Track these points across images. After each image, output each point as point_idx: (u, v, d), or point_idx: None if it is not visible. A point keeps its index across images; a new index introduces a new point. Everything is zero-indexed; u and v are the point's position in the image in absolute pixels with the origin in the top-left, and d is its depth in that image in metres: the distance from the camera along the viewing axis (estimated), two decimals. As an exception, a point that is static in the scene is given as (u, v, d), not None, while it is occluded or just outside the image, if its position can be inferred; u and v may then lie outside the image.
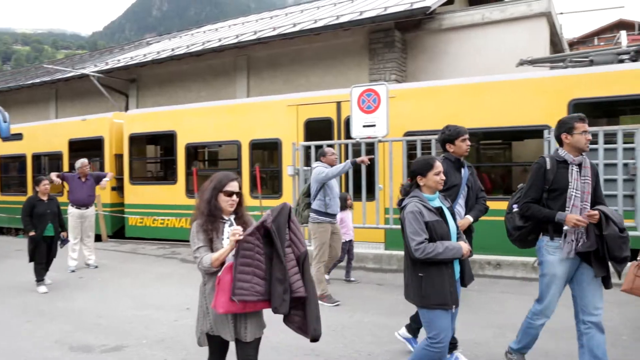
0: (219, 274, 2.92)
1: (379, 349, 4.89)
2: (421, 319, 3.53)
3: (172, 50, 17.69)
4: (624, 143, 6.91)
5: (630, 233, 6.84)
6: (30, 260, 7.77)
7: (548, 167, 3.84)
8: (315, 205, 6.61)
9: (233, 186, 3.17)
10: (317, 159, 7.13)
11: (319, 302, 5.41)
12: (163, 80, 17.70)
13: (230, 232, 2.93)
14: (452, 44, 12.94)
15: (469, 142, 4.73)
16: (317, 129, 10.30)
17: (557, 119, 7.73)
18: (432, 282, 3.37)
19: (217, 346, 3.18)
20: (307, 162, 9.18)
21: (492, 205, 8.00)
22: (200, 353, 4.82)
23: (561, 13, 14.21)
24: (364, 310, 6.19)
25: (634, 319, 5.50)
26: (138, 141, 13.27)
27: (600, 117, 8.90)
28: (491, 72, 10.76)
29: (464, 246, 3.40)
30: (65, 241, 8.17)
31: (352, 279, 7.75)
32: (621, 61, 8.56)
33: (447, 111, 8.93)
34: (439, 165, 3.54)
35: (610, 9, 14.92)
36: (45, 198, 7.88)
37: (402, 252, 8.01)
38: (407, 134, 9.05)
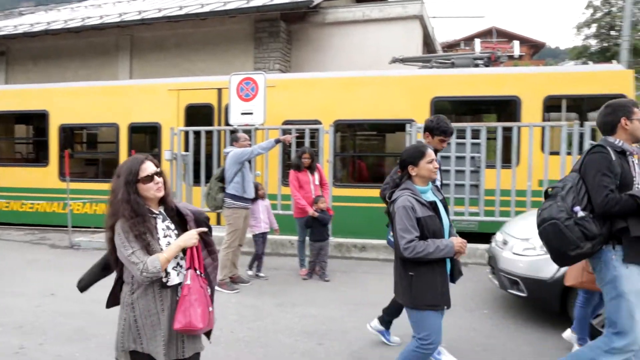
0: (187, 282, 2.52)
1: (241, 326, 5.17)
2: (409, 318, 3.30)
3: (48, 24, 16.56)
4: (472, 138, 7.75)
5: (476, 218, 7.81)
6: None
7: (613, 157, 3.17)
8: (231, 189, 6.55)
9: (148, 168, 2.57)
10: (230, 144, 7.05)
11: (218, 288, 5.54)
12: (37, 55, 16.53)
13: (187, 237, 2.54)
14: (335, 38, 13.48)
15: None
16: (198, 115, 10.32)
17: (421, 114, 8.68)
18: (423, 282, 3.12)
19: None
20: (186, 148, 9.21)
21: (365, 192, 8.76)
22: (59, 338, 4.84)
23: (434, 17, 15.30)
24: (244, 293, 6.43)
25: None
26: (5, 120, 12.40)
27: (459, 114, 9.85)
28: (371, 67, 11.43)
29: (457, 243, 3.11)
30: None
31: (261, 274, 7.25)
32: (477, 65, 9.54)
33: (324, 102, 9.39)
34: (431, 153, 3.27)
35: (480, 18, 16.26)
36: None
37: (279, 237, 8.43)
38: (286, 122, 9.39)
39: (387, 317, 4.61)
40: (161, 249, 2.51)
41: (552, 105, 8.71)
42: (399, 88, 9.20)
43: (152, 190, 2.56)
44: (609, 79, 8.41)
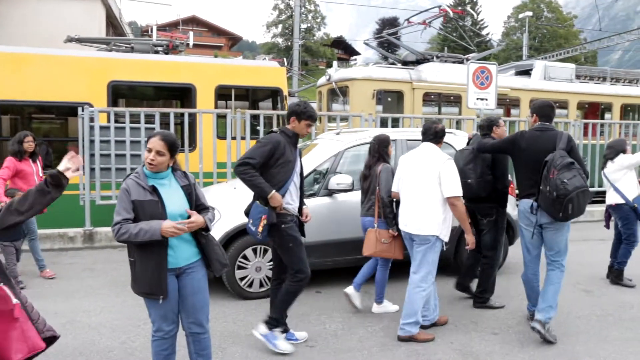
0: (16, 301, 2.28)
1: None
2: None
3: None
4: (147, 123, 7.99)
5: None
6: None
7: None
8: None
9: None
10: None
11: None
12: None
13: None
14: (2, 5, 11.99)
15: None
16: None
17: (97, 98, 8.51)
18: (141, 269, 3.00)
19: None
20: None
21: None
22: None
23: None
24: None
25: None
26: None
27: (137, 99, 10.00)
28: (46, 44, 10.56)
29: (167, 226, 2.87)
30: None
31: None
32: (157, 52, 9.82)
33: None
34: (152, 141, 3.02)
35: (167, 5, 16.53)
36: None
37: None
38: None
39: (274, 315, 4.18)
40: None
41: (223, 94, 9.59)
42: (74, 69, 8.80)
43: None
44: (268, 73, 9.71)
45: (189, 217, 3.00)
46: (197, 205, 3.16)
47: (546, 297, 4.34)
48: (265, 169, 3.95)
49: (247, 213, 4.11)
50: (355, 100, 11.25)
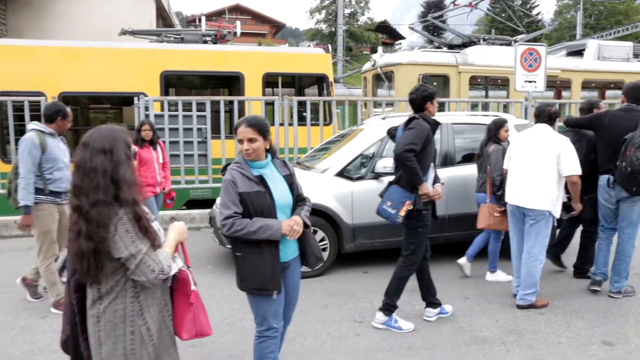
0: (193, 287, 2.31)
1: None
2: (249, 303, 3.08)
3: None
4: (198, 111, 8.31)
5: (206, 186, 8.42)
6: None
7: None
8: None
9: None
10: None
11: (54, 309, 4.61)
12: None
13: (181, 230, 2.34)
14: (59, 3, 12.60)
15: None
16: None
17: (151, 87, 8.88)
18: (250, 264, 2.88)
19: None
20: None
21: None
22: None
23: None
24: None
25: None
26: None
27: (188, 88, 10.35)
28: (101, 38, 11.07)
29: (287, 227, 2.83)
30: None
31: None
32: (205, 42, 10.13)
33: (48, 73, 8.85)
34: (240, 131, 2.90)
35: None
36: None
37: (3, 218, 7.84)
38: (1, 94, 8.60)
39: (431, 298, 4.48)
40: (160, 237, 2.23)
41: (270, 81, 9.81)
42: (128, 60, 9.21)
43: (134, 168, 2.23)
44: (314, 60, 9.86)
45: (293, 206, 2.99)
46: (297, 196, 3.05)
47: (617, 270, 4.85)
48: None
49: (381, 195, 4.28)
50: (401, 85, 11.25)
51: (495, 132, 5.39)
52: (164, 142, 8.08)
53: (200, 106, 8.38)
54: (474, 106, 9.26)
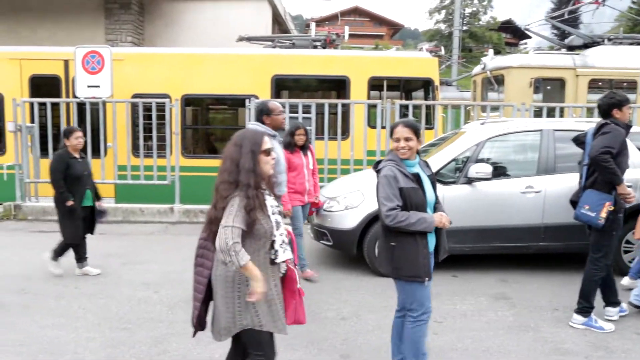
0: (299, 285, 2.86)
1: (86, 282, 5.67)
2: (397, 290, 3.37)
3: None
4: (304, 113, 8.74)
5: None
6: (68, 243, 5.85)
7: None
8: None
9: (268, 142, 2.68)
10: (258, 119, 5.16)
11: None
12: None
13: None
14: (188, 13, 13.81)
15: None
16: (45, 86, 10.17)
17: (262, 90, 9.50)
18: (404, 253, 3.17)
19: (245, 342, 2.77)
20: (32, 119, 9.19)
21: (212, 163, 9.38)
22: None
23: (287, -4, 16.14)
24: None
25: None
26: None
27: (297, 91, 10.87)
28: (222, 44, 11.97)
29: (438, 219, 3.17)
30: (102, 213, 6.09)
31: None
32: (315, 47, 10.59)
33: (173, 77, 9.83)
34: (397, 130, 3.24)
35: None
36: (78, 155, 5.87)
37: (129, 205, 8.88)
38: (135, 96, 9.69)
39: (612, 298, 4.57)
40: (271, 226, 2.62)
41: (375, 85, 10.02)
42: (242, 65, 9.93)
43: (269, 165, 2.66)
44: (420, 64, 9.90)
45: (435, 204, 3.31)
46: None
47: None
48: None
49: (572, 201, 4.54)
50: (511, 90, 10.90)
51: None
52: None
53: (306, 108, 8.81)
54: (589, 110, 8.76)
